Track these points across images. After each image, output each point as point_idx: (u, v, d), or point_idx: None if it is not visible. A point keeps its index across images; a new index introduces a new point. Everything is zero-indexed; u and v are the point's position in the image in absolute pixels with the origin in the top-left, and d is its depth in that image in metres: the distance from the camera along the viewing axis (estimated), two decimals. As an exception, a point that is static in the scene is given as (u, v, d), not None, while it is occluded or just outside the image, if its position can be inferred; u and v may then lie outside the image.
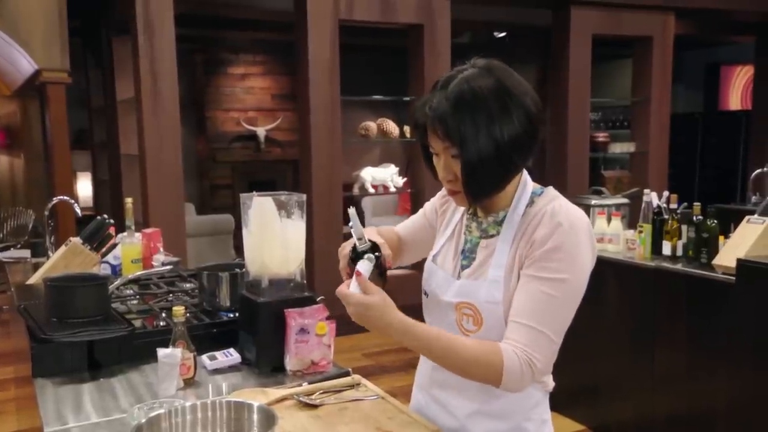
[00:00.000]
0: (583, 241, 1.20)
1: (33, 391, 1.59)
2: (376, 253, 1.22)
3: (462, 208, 1.39)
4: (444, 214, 1.46)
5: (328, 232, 5.20)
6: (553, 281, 1.17)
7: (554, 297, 1.17)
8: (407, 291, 5.96)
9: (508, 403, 1.29)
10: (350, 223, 1.26)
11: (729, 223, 3.08)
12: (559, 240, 1.18)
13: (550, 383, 1.34)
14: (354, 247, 1.23)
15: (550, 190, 1.29)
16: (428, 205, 1.50)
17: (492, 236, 1.29)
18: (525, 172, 1.30)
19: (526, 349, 1.16)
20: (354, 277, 1.18)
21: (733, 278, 2.73)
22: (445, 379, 1.33)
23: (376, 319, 1.17)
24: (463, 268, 1.32)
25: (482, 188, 1.22)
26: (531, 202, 1.27)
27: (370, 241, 1.23)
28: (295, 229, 1.65)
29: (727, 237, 2.95)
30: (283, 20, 5.95)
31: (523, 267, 1.21)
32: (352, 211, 1.25)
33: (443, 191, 1.43)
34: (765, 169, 4.51)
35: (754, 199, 4.68)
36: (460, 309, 1.28)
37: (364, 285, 1.17)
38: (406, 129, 5.81)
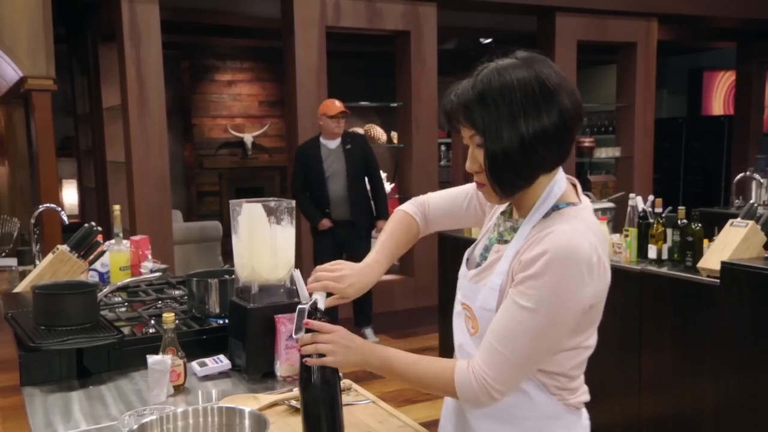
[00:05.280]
0: (570, 277, 1.10)
1: (20, 400, 1.58)
2: (321, 317, 1.24)
3: (500, 206, 1.33)
4: (488, 207, 1.40)
5: (316, 238, 5.19)
6: (524, 309, 1.12)
7: (522, 324, 1.12)
8: (396, 297, 5.91)
9: (523, 412, 1.21)
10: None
11: (713, 226, 3.12)
12: (540, 269, 1.10)
13: (572, 398, 1.23)
14: (302, 312, 1.24)
15: (571, 211, 1.18)
16: (472, 191, 1.45)
17: (506, 242, 1.23)
18: (559, 178, 1.21)
19: (483, 369, 1.14)
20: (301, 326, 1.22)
21: (718, 281, 2.76)
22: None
23: (350, 345, 1.21)
24: (476, 265, 1.28)
25: (507, 181, 1.16)
26: (548, 215, 1.18)
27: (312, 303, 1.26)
28: (285, 235, 1.65)
29: (711, 240, 2.99)
30: (271, 27, 5.96)
31: (514, 273, 1.17)
32: (296, 273, 1.29)
33: None
34: (748, 173, 4.58)
35: (737, 202, 4.74)
36: (463, 309, 1.27)
37: (319, 325, 1.21)
38: (394, 135, 5.83)
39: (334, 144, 4.62)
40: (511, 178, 1.15)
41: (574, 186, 1.26)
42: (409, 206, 1.52)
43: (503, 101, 1.12)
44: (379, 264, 1.41)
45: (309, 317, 1.22)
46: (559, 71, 1.16)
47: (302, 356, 1.22)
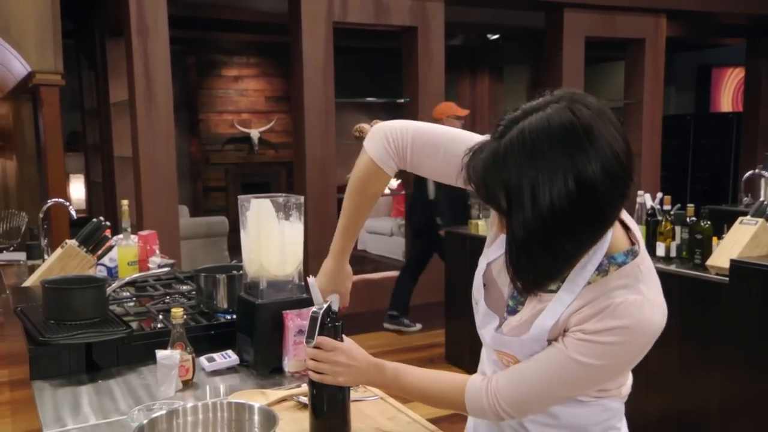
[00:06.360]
0: (634, 351, 1.04)
1: (30, 394, 1.58)
2: (333, 322, 1.24)
3: None
4: None
5: (323, 233, 5.19)
6: (572, 359, 1.03)
7: (564, 368, 1.04)
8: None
9: (583, 417, 1.18)
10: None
11: (722, 224, 3.10)
12: (609, 340, 1.01)
13: (625, 391, 1.23)
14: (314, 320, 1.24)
15: (634, 268, 1.03)
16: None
17: (550, 291, 1.06)
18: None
19: (499, 391, 1.09)
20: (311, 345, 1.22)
21: (727, 279, 2.75)
22: None
23: (352, 365, 1.21)
24: (509, 311, 1.13)
25: (532, 282, 0.98)
26: (604, 270, 1.03)
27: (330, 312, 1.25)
28: (293, 231, 1.65)
29: (720, 238, 2.97)
30: (277, 22, 5.96)
31: (568, 329, 1.05)
32: (311, 280, 1.29)
33: None
34: (757, 170, 4.55)
35: (746, 200, 4.72)
36: (499, 353, 1.16)
37: (321, 341, 1.21)
38: (400, 131, 5.81)
39: None
40: (535, 276, 0.97)
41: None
42: (380, 148, 1.25)
43: (526, 180, 0.89)
44: (342, 254, 1.42)
45: (322, 320, 1.23)
46: (596, 124, 0.90)
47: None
